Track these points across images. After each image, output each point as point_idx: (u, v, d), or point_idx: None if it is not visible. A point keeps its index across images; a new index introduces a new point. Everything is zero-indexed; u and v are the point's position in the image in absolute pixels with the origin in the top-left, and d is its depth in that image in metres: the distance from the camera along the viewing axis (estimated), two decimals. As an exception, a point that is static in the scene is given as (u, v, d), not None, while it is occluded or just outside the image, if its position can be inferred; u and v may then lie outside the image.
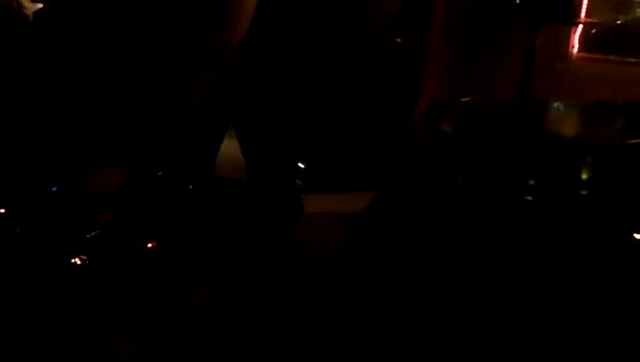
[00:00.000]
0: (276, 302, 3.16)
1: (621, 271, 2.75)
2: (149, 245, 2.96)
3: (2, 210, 2.94)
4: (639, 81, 3.67)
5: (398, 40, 4.56)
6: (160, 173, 3.28)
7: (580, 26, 4.09)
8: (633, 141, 2.79)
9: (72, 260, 2.81)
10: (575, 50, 4.08)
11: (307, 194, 3.90)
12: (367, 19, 4.82)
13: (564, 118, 3.36)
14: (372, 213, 3.79)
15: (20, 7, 3.81)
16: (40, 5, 3.84)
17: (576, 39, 4.09)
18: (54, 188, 3.06)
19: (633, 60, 3.94)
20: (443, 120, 3.73)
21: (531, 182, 2.83)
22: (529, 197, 2.83)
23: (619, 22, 4.18)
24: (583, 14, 4.08)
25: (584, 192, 2.79)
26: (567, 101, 3.52)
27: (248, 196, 3.30)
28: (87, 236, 2.90)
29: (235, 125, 3.42)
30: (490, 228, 2.91)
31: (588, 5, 4.09)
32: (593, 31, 4.11)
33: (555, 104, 3.47)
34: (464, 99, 3.36)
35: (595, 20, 4.13)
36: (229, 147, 3.66)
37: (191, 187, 3.25)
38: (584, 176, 2.79)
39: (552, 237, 2.78)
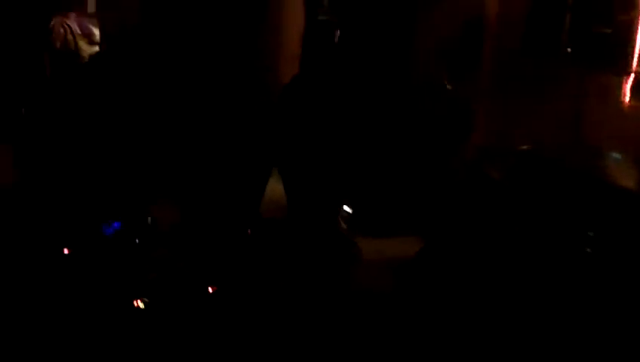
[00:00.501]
0: (321, 337, 3.15)
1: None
2: (209, 287, 2.97)
3: (66, 250, 2.97)
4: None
5: (448, 86, 4.56)
6: (214, 216, 3.30)
7: (632, 75, 4.07)
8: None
9: (134, 301, 2.83)
10: (627, 98, 4.05)
11: (353, 237, 3.91)
12: (416, 56, 4.82)
13: (620, 168, 3.34)
14: (422, 260, 3.77)
15: (78, 49, 3.88)
16: (97, 48, 3.91)
17: (627, 88, 4.06)
18: (117, 224, 3.09)
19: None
20: (492, 166, 3.71)
21: (590, 234, 2.80)
22: (588, 249, 2.81)
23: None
24: (635, 64, 4.06)
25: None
26: (620, 150, 3.49)
27: (296, 238, 3.31)
28: (148, 277, 2.92)
29: (279, 169, 3.44)
30: (546, 280, 2.88)
31: (640, 54, 4.07)
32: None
33: (610, 154, 3.45)
34: (516, 147, 3.35)
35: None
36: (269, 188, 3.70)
37: (249, 231, 3.27)
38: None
39: (611, 289, 2.75)
